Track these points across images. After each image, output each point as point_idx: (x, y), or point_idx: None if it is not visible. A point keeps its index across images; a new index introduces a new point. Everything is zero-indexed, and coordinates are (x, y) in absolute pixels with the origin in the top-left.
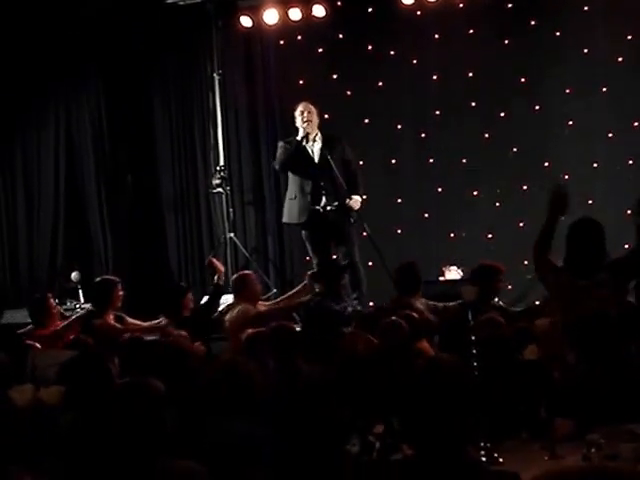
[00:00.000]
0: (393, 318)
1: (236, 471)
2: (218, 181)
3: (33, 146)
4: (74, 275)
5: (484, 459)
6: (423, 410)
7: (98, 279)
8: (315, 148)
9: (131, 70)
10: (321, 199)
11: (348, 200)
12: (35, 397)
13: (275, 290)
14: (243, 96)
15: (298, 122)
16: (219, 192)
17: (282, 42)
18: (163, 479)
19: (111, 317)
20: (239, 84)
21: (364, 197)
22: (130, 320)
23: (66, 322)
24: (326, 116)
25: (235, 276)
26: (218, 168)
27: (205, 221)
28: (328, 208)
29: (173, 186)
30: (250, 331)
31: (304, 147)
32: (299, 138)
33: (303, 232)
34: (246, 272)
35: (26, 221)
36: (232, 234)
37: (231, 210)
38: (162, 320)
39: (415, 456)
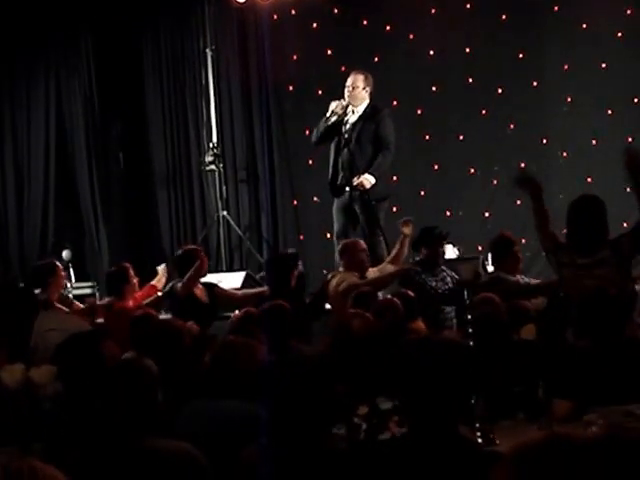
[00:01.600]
0: (388, 297)
1: (231, 451)
2: (211, 158)
3: (23, 124)
4: (65, 254)
5: (480, 440)
6: (413, 388)
7: (181, 250)
8: (350, 121)
9: (123, 45)
10: (338, 176)
11: (356, 178)
12: (25, 377)
13: None
14: (236, 72)
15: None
16: (212, 170)
17: (276, 17)
18: (152, 459)
19: (200, 287)
20: (232, 60)
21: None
22: (221, 289)
23: (152, 297)
24: (320, 92)
25: (340, 243)
26: (211, 145)
27: (198, 199)
28: (341, 184)
29: (165, 163)
30: (237, 312)
31: (340, 120)
32: (327, 115)
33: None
34: (352, 239)
35: (16, 199)
36: (225, 212)
37: (224, 188)
38: (265, 290)
39: (408, 435)
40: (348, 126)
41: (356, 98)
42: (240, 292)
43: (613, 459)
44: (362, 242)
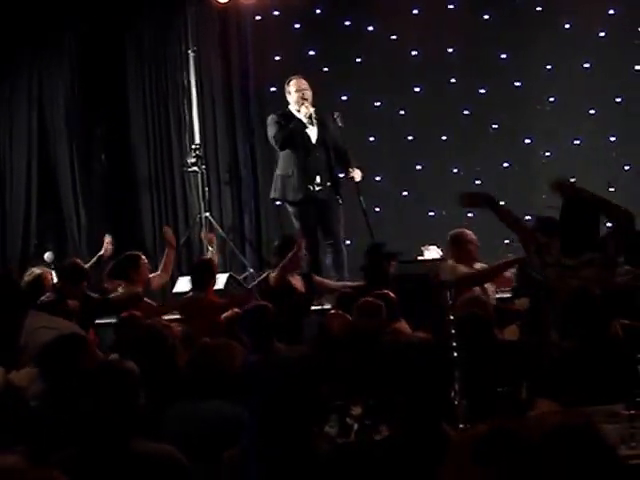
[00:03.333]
0: (370, 298)
1: (215, 452)
2: (193, 160)
3: (5, 125)
4: (47, 255)
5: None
6: (392, 389)
7: (280, 239)
8: (314, 124)
9: (106, 46)
10: (315, 178)
11: (351, 170)
12: (5, 380)
13: (252, 270)
14: (218, 73)
15: (293, 98)
16: (194, 171)
17: (258, 18)
18: (137, 461)
19: (297, 277)
20: (214, 61)
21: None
22: (318, 279)
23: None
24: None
25: (449, 235)
26: (193, 146)
27: (180, 200)
28: (320, 188)
29: (148, 165)
30: (228, 313)
31: (303, 125)
32: (304, 119)
33: (293, 210)
34: (460, 230)
35: None
36: (208, 213)
37: (207, 189)
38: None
39: (391, 436)
40: (315, 129)
41: (311, 100)
42: (340, 283)
43: (561, 452)
44: (470, 232)
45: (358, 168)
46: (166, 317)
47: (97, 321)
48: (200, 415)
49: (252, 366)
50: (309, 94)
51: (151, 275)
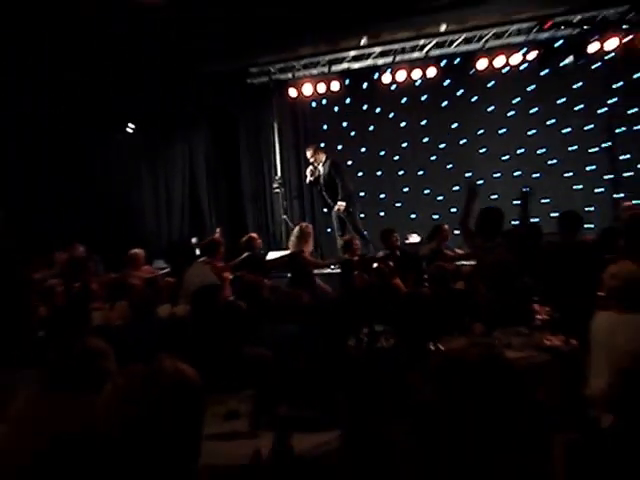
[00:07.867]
0: (376, 265)
1: (288, 356)
2: (277, 185)
3: (166, 170)
4: (194, 240)
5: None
6: (401, 319)
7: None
8: (321, 173)
9: (226, 126)
10: (327, 203)
11: (335, 207)
12: (172, 311)
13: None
14: (290, 138)
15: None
16: (277, 192)
17: (314, 105)
18: (247, 359)
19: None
20: (289, 130)
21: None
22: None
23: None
24: (339, 147)
25: None
26: (277, 178)
27: (269, 208)
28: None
29: (251, 189)
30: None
31: (316, 176)
32: (307, 182)
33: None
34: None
35: (166, 212)
36: (285, 216)
37: (285, 202)
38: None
39: (395, 345)
40: (322, 175)
41: (315, 160)
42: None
43: (488, 374)
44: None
45: (341, 200)
46: None
47: None
48: (278, 333)
49: (309, 301)
50: (312, 157)
51: None
